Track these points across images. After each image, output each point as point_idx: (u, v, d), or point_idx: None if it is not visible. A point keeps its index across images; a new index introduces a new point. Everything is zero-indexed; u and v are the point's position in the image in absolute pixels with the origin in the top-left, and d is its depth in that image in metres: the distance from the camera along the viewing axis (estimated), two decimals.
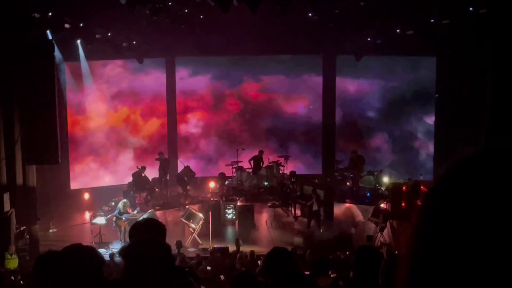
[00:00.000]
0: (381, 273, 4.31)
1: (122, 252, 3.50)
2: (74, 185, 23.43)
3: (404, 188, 20.07)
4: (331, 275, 9.27)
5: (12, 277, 13.05)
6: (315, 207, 19.42)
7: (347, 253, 15.22)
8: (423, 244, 0.97)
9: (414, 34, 21.59)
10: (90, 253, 3.89)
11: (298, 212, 20.97)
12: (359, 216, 20.66)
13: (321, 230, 19.19)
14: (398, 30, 21.95)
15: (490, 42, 18.15)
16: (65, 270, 3.59)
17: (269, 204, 21.68)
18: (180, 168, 24.01)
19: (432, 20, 20.66)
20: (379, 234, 18.15)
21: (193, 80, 25.18)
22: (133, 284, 3.30)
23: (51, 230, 19.34)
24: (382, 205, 20.44)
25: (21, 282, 12.84)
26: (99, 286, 3.65)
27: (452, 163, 1.00)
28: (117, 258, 15.53)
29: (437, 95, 24.63)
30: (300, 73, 25.40)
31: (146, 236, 3.82)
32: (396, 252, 14.71)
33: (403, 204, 19.65)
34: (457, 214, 0.94)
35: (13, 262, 15.51)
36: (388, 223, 18.79)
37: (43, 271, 3.69)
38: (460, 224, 0.93)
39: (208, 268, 14.01)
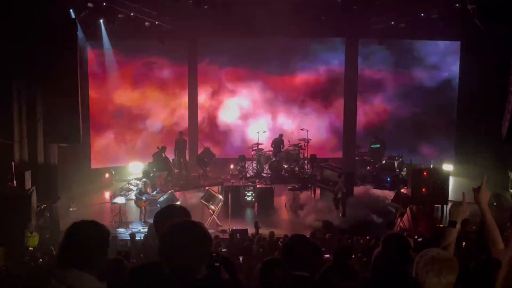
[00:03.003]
0: (417, 266, 3.79)
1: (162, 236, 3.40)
2: (94, 164, 23.53)
3: (424, 173, 19.90)
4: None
5: None
6: (339, 194, 19.24)
7: (367, 237, 15.15)
8: None
9: (439, 18, 21.34)
10: None
11: (318, 196, 20.92)
12: (379, 201, 20.49)
13: (340, 214, 19.09)
14: (422, 14, 21.71)
15: None
16: None
17: (288, 187, 21.60)
18: (200, 149, 24.05)
19: (457, 5, 20.41)
20: (399, 219, 18.04)
21: (216, 62, 25.09)
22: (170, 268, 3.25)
23: (71, 209, 19.45)
24: (402, 190, 20.31)
25: (41, 260, 12.95)
26: None
27: None
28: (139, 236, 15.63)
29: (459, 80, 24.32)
30: (323, 57, 25.16)
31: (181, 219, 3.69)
32: (417, 237, 14.61)
33: (423, 190, 19.50)
34: None
35: (33, 240, 15.63)
36: (408, 209, 18.68)
37: None
38: None
39: (224, 250, 14.01)
